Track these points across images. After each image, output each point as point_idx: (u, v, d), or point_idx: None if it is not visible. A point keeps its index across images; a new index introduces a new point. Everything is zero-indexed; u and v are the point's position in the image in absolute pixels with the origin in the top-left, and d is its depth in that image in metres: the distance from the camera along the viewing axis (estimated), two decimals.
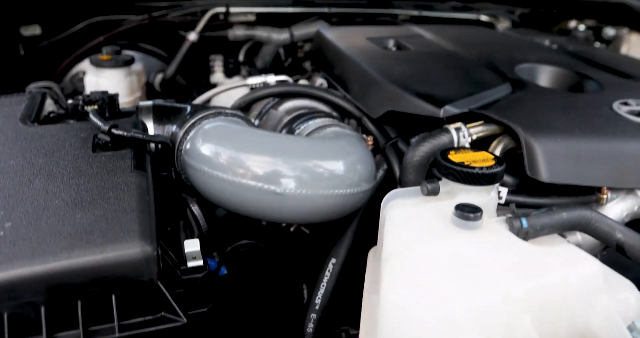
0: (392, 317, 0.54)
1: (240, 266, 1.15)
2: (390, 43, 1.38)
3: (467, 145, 0.94)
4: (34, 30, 1.56)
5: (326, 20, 1.74)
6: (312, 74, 1.63)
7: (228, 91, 1.88)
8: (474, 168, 0.71)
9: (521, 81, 1.14)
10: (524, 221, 0.66)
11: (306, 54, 1.85)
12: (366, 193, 0.91)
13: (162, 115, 1.00)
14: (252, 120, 1.19)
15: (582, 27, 1.98)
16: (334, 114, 1.19)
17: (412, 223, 0.64)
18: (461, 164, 0.72)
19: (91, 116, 0.82)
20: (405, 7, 1.86)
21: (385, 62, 1.20)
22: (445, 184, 0.74)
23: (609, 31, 1.96)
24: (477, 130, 0.96)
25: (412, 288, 0.54)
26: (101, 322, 0.62)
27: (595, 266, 0.57)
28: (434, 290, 0.53)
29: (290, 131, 1.09)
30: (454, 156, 0.75)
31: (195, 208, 0.90)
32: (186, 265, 0.74)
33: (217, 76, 1.84)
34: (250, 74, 1.84)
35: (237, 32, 1.69)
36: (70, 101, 0.95)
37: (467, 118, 0.97)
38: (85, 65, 1.61)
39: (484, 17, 1.96)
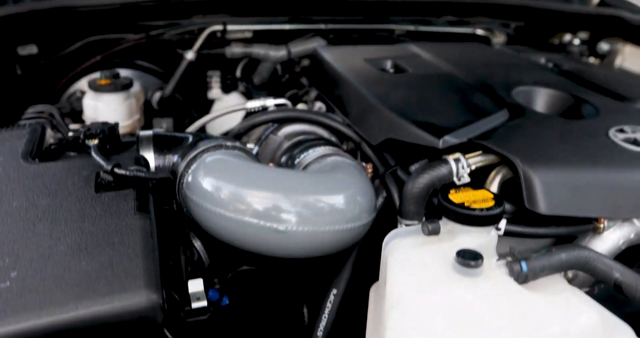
0: None
1: (241, 292, 1.15)
2: (388, 64, 1.39)
3: (466, 176, 0.95)
4: (31, 49, 1.55)
5: (323, 36, 1.75)
6: (309, 89, 1.64)
7: (225, 104, 1.91)
8: (474, 209, 0.72)
9: (519, 107, 1.15)
10: (524, 265, 0.67)
11: (303, 69, 1.86)
12: (367, 225, 0.92)
13: (162, 145, 1.01)
14: (252, 145, 1.20)
15: (576, 41, 1.99)
16: (333, 138, 1.20)
17: (414, 269, 0.65)
18: (461, 206, 0.73)
19: (93, 154, 0.82)
20: (402, 23, 1.87)
21: (384, 86, 1.20)
22: (446, 224, 0.75)
23: (604, 46, 1.97)
24: (476, 160, 0.97)
25: None
26: None
27: (594, 316, 0.58)
28: None
29: (291, 159, 1.09)
30: (454, 196, 0.76)
31: (198, 244, 0.90)
32: (190, 305, 0.75)
33: (215, 91, 1.84)
34: (248, 90, 1.85)
35: (235, 50, 1.70)
36: (70, 133, 0.96)
37: (465, 147, 0.98)
38: (83, 84, 1.61)
39: (479, 31, 1.97)
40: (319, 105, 1.33)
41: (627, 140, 1.02)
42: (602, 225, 0.97)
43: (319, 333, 0.95)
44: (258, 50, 1.71)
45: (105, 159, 0.81)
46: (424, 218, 0.93)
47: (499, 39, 1.96)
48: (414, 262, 0.67)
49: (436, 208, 0.78)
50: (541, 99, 1.27)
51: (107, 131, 0.97)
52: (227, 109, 1.29)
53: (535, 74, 1.38)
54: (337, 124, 1.17)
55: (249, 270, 1.17)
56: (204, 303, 0.75)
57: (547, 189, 0.89)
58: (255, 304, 1.18)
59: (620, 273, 0.72)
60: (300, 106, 1.35)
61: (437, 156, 1.00)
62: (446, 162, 0.95)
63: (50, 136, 1.02)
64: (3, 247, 0.67)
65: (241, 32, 1.71)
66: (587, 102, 1.20)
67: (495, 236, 0.76)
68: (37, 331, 0.59)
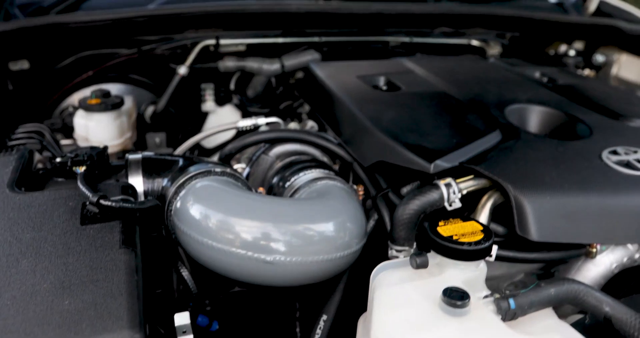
0: None
1: (233, 314, 1.15)
2: (381, 81, 1.38)
3: (458, 201, 0.94)
4: (23, 65, 1.54)
5: (317, 49, 1.74)
6: (304, 101, 1.63)
7: (220, 116, 1.90)
8: (462, 243, 0.72)
9: (512, 127, 1.14)
10: (512, 302, 0.66)
11: (297, 81, 1.85)
12: (357, 252, 0.92)
13: (152, 169, 1.00)
14: (244, 165, 1.19)
15: (572, 52, 1.99)
16: (325, 159, 1.19)
17: (400, 307, 0.65)
18: (450, 240, 0.72)
19: (79, 184, 0.82)
20: (397, 34, 1.86)
21: (376, 106, 1.20)
22: (435, 257, 0.74)
23: (599, 58, 1.97)
24: (467, 185, 0.96)
25: None
26: None
27: None
28: None
29: (282, 180, 1.09)
30: (443, 228, 0.75)
31: (185, 273, 0.90)
32: None
33: (209, 104, 1.84)
34: (242, 102, 1.84)
35: (228, 64, 1.69)
36: (58, 159, 0.95)
37: (457, 171, 0.98)
38: (75, 99, 1.60)
39: (474, 42, 1.97)
40: (310, 124, 1.32)
41: (619, 163, 1.01)
42: (594, 250, 0.96)
43: None
44: (251, 64, 1.70)
45: (91, 190, 0.80)
46: (414, 244, 0.93)
47: (494, 50, 1.96)
48: (400, 299, 0.66)
49: (424, 240, 0.77)
50: (534, 118, 1.26)
51: (95, 156, 0.96)
52: (219, 128, 1.28)
53: (529, 91, 1.37)
54: (329, 145, 1.16)
55: (241, 292, 1.16)
56: (190, 337, 0.74)
57: (539, 216, 0.89)
58: (247, 326, 1.17)
59: (610, 307, 0.72)
60: (292, 125, 1.34)
61: (429, 179, 0.99)
62: (437, 187, 0.94)
63: (38, 160, 1.01)
64: None
65: (234, 46, 1.70)
66: (581, 120, 1.20)
67: (484, 269, 0.76)
68: None
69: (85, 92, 1.54)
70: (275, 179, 1.12)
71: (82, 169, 0.91)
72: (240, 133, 1.28)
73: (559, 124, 1.24)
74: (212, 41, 1.64)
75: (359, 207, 0.97)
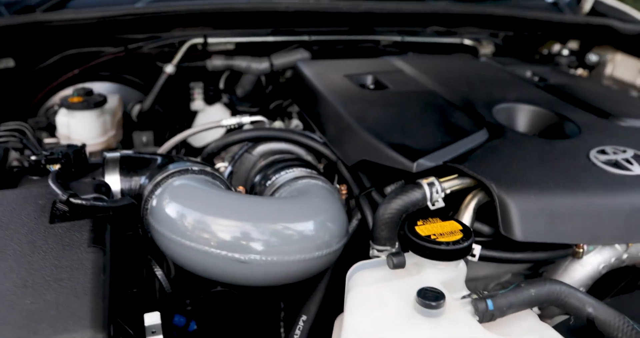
0: None
1: (214, 313, 1.13)
2: (369, 80, 1.36)
3: (441, 200, 0.92)
4: (7, 63, 1.53)
5: (307, 48, 1.72)
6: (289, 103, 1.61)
7: (209, 115, 1.88)
8: (440, 243, 0.69)
9: (498, 126, 1.12)
10: (490, 303, 0.64)
11: (287, 80, 1.83)
12: (337, 251, 0.89)
13: (130, 167, 0.98)
14: (227, 163, 1.17)
15: (565, 51, 1.96)
16: (310, 157, 1.17)
17: (373, 307, 0.63)
18: (428, 239, 0.70)
19: (50, 182, 0.79)
20: (388, 33, 1.84)
21: (362, 105, 1.18)
22: (412, 257, 0.72)
23: (593, 57, 1.95)
24: (451, 184, 0.94)
25: None
26: None
27: None
28: None
29: (264, 179, 1.07)
30: (421, 228, 0.73)
31: (159, 272, 0.87)
32: None
33: (198, 103, 1.82)
34: (231, 101, 1.82)
35: (216, 63, 1.67)
36: (33, 157, 0.93)
37: (442, 170, 0.96)
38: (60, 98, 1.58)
39: (467, 41, 1.95)
40: (295, 123, 1.30)
41: (607, 162, 0.99)
42: (581, 250, 0.94)
43: None
44: (240, 62, 1.68)
45: (62, 188, 0.78)
46: (396, 244, 0.91)
47: (486, 49, 1.94)
48: (373, 300, 0.64)
49: (403, 240, 0.75)
50: (523, 117, 1.24)
51: (72, 154, 0.94)
52: (204, 126, 1.26)
53: (518, 90, 1.35)
54: (313, 143, 1.14)
55: (223, 292, 1.14)
56: (159, 337, 0.72)
57: (523, 216, 0.86)
58: (229, 326, 1.15)
59: (593, 307, 0.70)
60: (277, 124, 1.32)
61: (412, 178, 0.97)
62: (420, 186, 0.92)
63: (15, 159, 0.99)
64: None
65: (223, 44, 1.68)
66: (570, 120, 1.18)
67: (464, 269, 0.73)
68: None
69: (71, 90, 1.52)
70: (257, 178, 1.10)
71: (56, 167, 0.89)
72: (229, 131, 1.26)
73: (548, 124, 1.22)
74: (199, 40, 1.62)
75: (341, 206, 0.95)
